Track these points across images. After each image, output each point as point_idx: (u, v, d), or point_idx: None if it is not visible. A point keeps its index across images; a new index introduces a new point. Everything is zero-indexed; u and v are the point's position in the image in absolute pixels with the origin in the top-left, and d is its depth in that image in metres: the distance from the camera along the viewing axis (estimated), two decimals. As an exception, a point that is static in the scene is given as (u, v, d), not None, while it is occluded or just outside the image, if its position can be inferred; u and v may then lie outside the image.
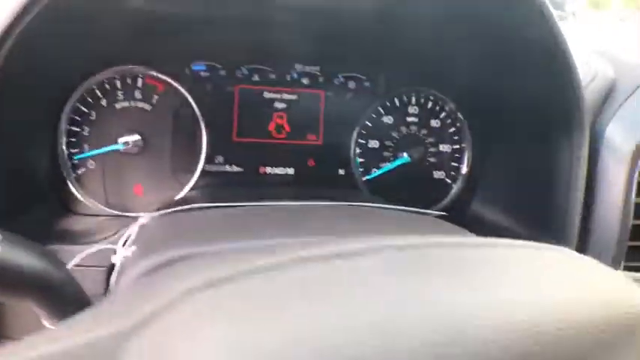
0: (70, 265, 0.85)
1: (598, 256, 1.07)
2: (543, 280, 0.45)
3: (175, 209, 0.87)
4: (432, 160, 1.31)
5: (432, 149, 1.30)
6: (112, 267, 0.83)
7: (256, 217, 0.86)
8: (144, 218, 0.88)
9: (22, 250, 0.61)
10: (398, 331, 0.35)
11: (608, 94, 1.15)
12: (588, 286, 0.46)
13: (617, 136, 1.08)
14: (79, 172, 1.14)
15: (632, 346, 0.43)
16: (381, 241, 0.46)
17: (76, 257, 0.86)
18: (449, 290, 0.40)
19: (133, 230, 0.86)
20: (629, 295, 0.46)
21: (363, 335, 0.34)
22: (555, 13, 0.94)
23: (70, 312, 0.59)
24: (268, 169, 1.25)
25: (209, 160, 1.21)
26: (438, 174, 1.31)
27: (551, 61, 0.94)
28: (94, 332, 0.37)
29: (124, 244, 0.82)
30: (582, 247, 1.06)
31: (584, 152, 0.99)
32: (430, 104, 1.29)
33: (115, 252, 0.81)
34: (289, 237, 0.68)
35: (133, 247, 0.78)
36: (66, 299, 0.67)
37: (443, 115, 1.30)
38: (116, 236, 0.93)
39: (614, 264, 1.06)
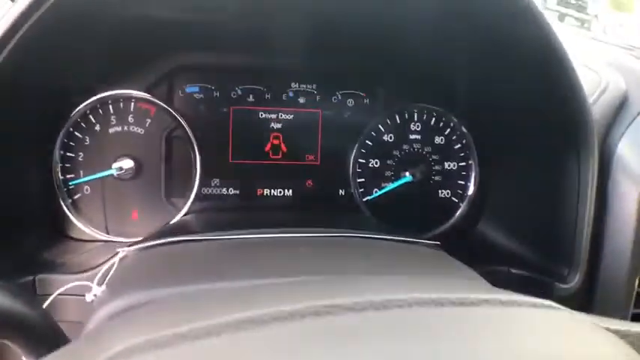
0: (44, 305, 0.85)
1: (608, 286, 1.01)
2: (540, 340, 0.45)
3: (154, 243, 0.85)
4: (436, 178, 1.25)
5: (436, 167, 1.25)
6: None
7: (238, 251, 0.83)
8: (122, 252, 0.87)
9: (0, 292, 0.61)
10: None
11: (619, 108, 1.08)
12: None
13: (630, 153, 1.02)
14: (75, 197, 1.14)
15: None
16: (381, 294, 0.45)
17: (49, 298, 0.86)
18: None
19: (111, 265, 0.86)
20: None
21: None
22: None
23: (46, 350, 0.59)
24: (265, 191, 1.23)
25: (205, 183, 1.20)
26: (444, 193, 1.26)
27: (550, 71, 0.89)
28: None
29: (100, 280, 0.82)
30: (592, 274, 0.99)
31: (593, 171, 0.93)
32: (433, 120, 1.24)
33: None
34: (265, 277, 0.65)
35: (104, 287, 0.78)
36: (41, 338, 0.66)
37: (447, 131, 1.25)
38: (98, 269, 0.92)
39: (627, 295, 0.99)
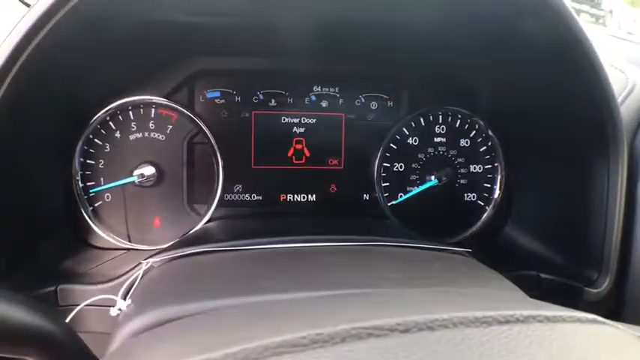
0: (68, 319, 0.83)
1: (639, 290, 0.98)
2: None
3: (178, 254, 0.83)
4: (462, 182, 1.23)
5: (462, 170, 1.23)
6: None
7: (265, 262, 0.81)
8: (146, 264, 0.85)
9: (22, 307, 0.60)
10: None
11: None
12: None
13: None
14: (96, 205, 1.12)
15: None
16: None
17: (73, 311, 0.84)
18: None
19: (135, 277, 0.84)
20: None
21: None
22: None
23: None
24: (289, 197, 1.21)
25: (227, 189, 1.18)
26: (470, 197, 1.24)
27: (578, 71, 0.87)
28: None
29: (125, 293, 0.80)
30: (622, 278, 0.97)
31: (622, 173, 0.92)
32: (458, 123, 1.22)
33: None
34: (296, 290, 0.63)
35: (129, 302, 0.76)
36: (65, 354, 0.64)
37: (473, 133, 1.22)
38: (122, 279, 0.90)
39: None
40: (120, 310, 0.78)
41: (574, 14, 0.82)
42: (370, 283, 0.69)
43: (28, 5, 0.83)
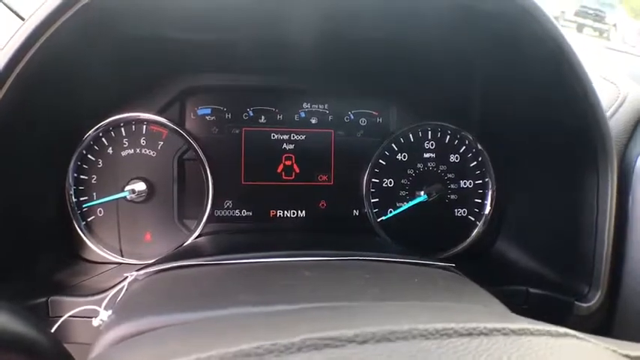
0: (53, 328, 0.85)
1: (630, 305, 0.96)
2: None
3: (164, 267, 0.84)
4: (452, 197, 1.23)
5: (452, 186, 1.23)
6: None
7: (246, 277, 0.82)
8: (131, 276, 0.86)
9: (9, 315, 0.61)
10: None
11: (639, 119, 1.05)
12: None
13: None
14: (89, 219, 1.14)
15: None
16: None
17: (58, 321, 0.85)
18: None
19: (119, 289, 0.85)
20: None
21: None
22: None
23: None
24: (279, 213, 1.22)
25: (217, 205, 1.19)
26: (460, 212, 1.23)
27: (565, 85, 0.87)
28: None
29: (109, 305, 0.81)
30: (613, 292, 0.95)
31: (612, 186, 0.91)
32: (448, 138, 1.23)
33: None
34: (272, 304, 0.64)
35: (110, 312, 0.77)
36: None
37: (462, 149, 1.23)
38: (109, 292, 0.91)
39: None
40: (102, 320, 0.79)
41: (559, 27, 0.84)
42: (346, 296, 0.69)
43: (22, 19, 0.86)
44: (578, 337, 0.52)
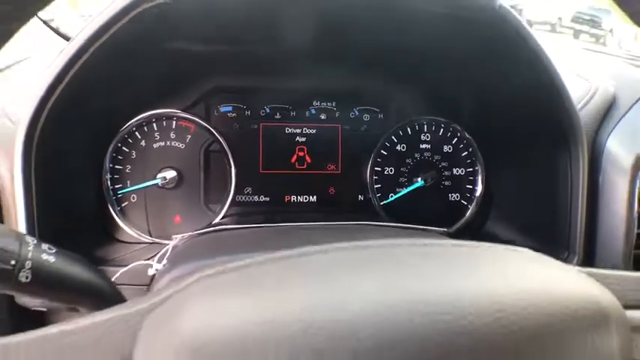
0: (114, 278, 0.98)
1: (602, 267, 1.11)
2: (508, 274, 0.50)
3: (201, 231, 0.99)
4: (446, 183, 1.38)
5: (445, 173, 1.38)
6: (150, 284, 0.95)
7: (267, 234, 0.97)
8: (175, 240, 1.00)
9: (75, 262, 0.73)
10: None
11: (608, 109, 1.21)
12: (548, 281, 0.51)
13: (618, 148, 1.13)
14: (123, 205, 1.27)
15: (583, 333, 0.49)
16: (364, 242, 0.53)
17: (119, 272, 0.98)
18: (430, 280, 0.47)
19: (166, 250, 0.99)
20: (583, 290, 0.52)
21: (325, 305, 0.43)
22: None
23: None
24: (292, 198, 1.36)
25: (239, 191, 1.33)
26: (453, 196, 1.39)
27: (539, 81, 1.02)
28: (116, 311, 0.47)
29: (158, 261, 0.94)
30: (589, 258, 1.10)
31: (584, 166, 1.05)
32: (441, 131, 1.38)
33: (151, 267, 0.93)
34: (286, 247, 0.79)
35: (165, 262, 0.90)
36: (110, 304, 0.79)
37: (454, 140, 1.38)
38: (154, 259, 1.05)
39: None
40: (157, 270, 0.92)
41: (531, 30, 1.00)
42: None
43: (67, 39, 1.00)
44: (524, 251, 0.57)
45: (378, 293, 0.43)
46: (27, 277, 0.70)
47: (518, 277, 0.50)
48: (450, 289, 0.45)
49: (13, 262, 0.67)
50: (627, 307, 0.55)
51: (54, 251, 0.73)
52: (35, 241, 0.70)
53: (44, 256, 0.71)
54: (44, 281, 0.69)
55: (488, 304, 0.44)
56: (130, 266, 0.98)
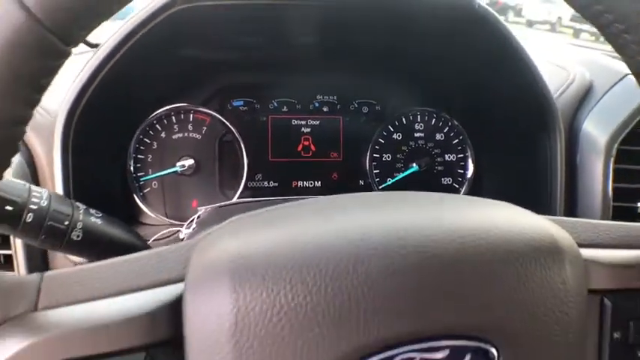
0: (150, 241, 1.10)
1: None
2: (472, 212, 0.57)
3: (223, 204, 1.11)
4: (439, 168, 1.51)
5: (438, 159, 1.51)
6: None
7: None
8: (201, 212, 1.13)
9: (117, 225, 0.86)
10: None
11: (584, 95, 1.32)
12: (512, 216, 0.58)
13: (593, 130, 1.24)
14: (145, 190, 1.40)
15: (537, 259, 0.52)
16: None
17: (154, 236, 1.11)
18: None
19: (194, 217, 1.11)
20: (541, 225, 0.56)
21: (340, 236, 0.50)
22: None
23: None
24: (299, 183, 1.49)
25: (250, 177, 1.46)
26: (446, 180, 1.51)
27: (516, 71, 1.16)
28: (162, 249, 0.55)
29: (187, 227, 1.07)
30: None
31: (561, 148, 1.17)
32: (434, 120, 1.51)
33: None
34: None
35: (194, 226, 1.03)
36: None
37: (446, 129, 1.51)
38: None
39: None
40: (186, 234, 1.05)
41: (508, 27, 1.13)
42: None
43: (94, 46, 1.14)
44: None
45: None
46: (78, 236, 0.82)
47: (489, 212, 0.58)
48: (445, 220, 0.53)
49: (66, 223, 0.80)
50: (580, 245, 0.59)
51: (100, 215, 0.86)
52: (84, 207, 0.83)
53: (92, 219, 0.84)
54: (92, 240, 0.81)
55: (467, 228, 0.51)
56: (162, 232, 1.11)
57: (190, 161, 1.39)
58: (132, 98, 1.31)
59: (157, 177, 1.40)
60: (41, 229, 0.77)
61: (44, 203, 0.77)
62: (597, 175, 1.21)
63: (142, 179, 1.40)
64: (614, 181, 1.18)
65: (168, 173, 1.40)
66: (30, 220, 0.75)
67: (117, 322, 0.47)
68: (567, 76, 1.36)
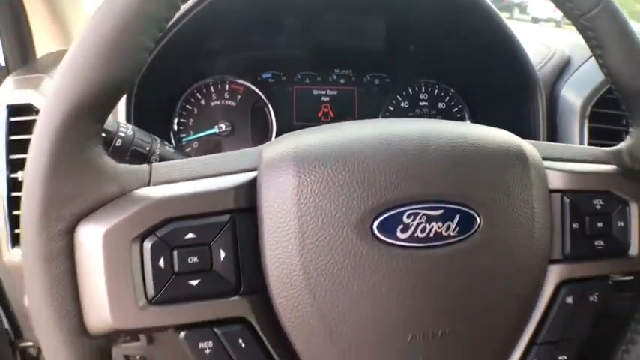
0: None
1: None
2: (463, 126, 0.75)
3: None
4: (441, 133, 1.73)
5: (440, 125, 1.73)
6: None
7: None
8: None
9: (186, 157, 1.04)
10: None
11: (564, 67, 1.55)
12: (490, 129, 0.74)
13: (570, 96, 1.45)
14: (186, 150, 1.61)
15: (502, 162, 0.67)
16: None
17: None
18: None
19: None
20: (507, 135, 0.72)
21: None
22: None
23: None
24: (320, 145, 1.70)
25: (277, 139, 1.67)
26: (446, 142, 1.73)
27: (505, 52, 1.39)
28: (239, 151, 0.71)
29: None
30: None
31: (542, 110, 1.40)
32: (436, 91, 1.72)
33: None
34: None
35: None
36: None
37: (447, 98, 1.73)
38: None
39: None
40: None
41: (498, 12, 1.36)
42: None
43: None
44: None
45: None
46: (156, 160, 1.04)
47: (473, 127, 0.75)
48: (444, 127, 0.69)
49: (147, 148, 1.02)
50: (544, 159, 0.73)
51: (173, 146, 1.08)
52: (161, 139, 1.06)
53: (167, 148, 1.06)
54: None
55: (459, 131, 0.68)
56: None
57: (227, 124, 1.61)
58: (179, 69, 1.52)
59: (197, 138, 1.62)
60: (127, 153, 0.97)
61: (130, 133, 0.98)
62: (574, 133, 1.42)
63: (184, 139, 1.62)
64: (589, 139, 1.39)
65: (208, 135, 1.61)
66: (119, 145, 0.95)
67: (209, 192, 0.61)
68: (549, 52, 1.59)
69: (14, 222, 1.25)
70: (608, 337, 0.89)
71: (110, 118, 0.92)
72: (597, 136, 1.41)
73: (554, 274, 0.70)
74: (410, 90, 1.73)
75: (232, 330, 0.60)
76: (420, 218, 0.61)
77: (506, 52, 1.38)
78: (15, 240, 1.25)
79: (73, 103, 0.53)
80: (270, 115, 1.66)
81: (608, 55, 0.72)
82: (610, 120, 1.35)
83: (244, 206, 0.62)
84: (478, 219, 0.64)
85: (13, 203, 1.24)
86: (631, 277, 0.78)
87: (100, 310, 0.56)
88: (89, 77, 0.53)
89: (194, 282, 0.59)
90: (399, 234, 0.61)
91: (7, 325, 1.75)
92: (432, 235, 0.62)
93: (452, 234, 0.62)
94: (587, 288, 0.72)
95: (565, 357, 0.71)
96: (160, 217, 0.58)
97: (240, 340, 0.60)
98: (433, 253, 0.62)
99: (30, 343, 1.83)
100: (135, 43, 0.55)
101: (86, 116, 0.55)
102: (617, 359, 0.81)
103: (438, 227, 0.62)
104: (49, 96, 0.54)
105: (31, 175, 0.54)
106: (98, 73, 0.53)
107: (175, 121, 1.61)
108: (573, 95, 1.47)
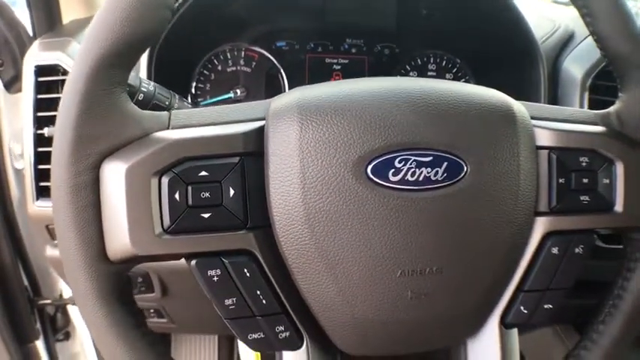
0: None
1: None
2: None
3: None
4: (448, 100, 1.79)
5: (448, 95, 1.79)
6: None
7: None
8: None
9: None
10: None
11: (567, 41, 1.61)
12: (481, 88, 0.78)
13: (572, 68, 1.51)
14: (205, 114, 1.70)
15: (491, 119, 0.72)
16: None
17: None
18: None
19: None
20: (498, 94, 0.77)
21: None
22: None
23: None
24: (331, 111, 1.78)
25: (290, 105, 1.75)
26: (452, 111, 1.80)
27: (510, 25, 1.46)
28: (249, 102, 0.75)
29: None
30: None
31: (544, 80, 1.45)
32: (444, 62, 1.78)
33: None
34: None
35: None
36: None
37: (454, 70, 1.78)
38: None
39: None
40: None
41: None
42: None
43: None
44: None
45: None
46: (181, 113, 1.11)
47: (466, 85, 0.78)
48: (440, 83, 0.74)
49: (167, 102, 1.09)
50: (532, 117, 0.77)
51: (190, 102, 1.16)
52: (180, 96, 1.14)
53: (186, 104, 1.14)
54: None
55: (453, 87, 0.73)
56: None
57: (243, 89, 1.69)
58: (198, 36, 1.59)
59: (214, 101, 1.69)
60: (148, 106, 1.02)
61: (151, 88, 1.05)
62: (575, 104, 1.48)
63: (201, 103, 1.69)
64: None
65: (224, 99, 1.68)
66: (141, 99, 1.00)
67: (222, 135, 0.66)
68: (553, 25, 1.65)
69: (39, 175, 1.34)
70: (594, 293, 0.94)
71: (133, 74, 0.97)
72: (597, 108, 1.45)
73: (541, 226, 0.73)
74: (418, 60, 1.79)
75: (238, 261, 0.66)
76: (411, 163, 0.66)
77: (509, 21, 1.44)
78: (40, 192, 1.34)
79: (104, 53, 0.60)
80: (283, 81, 1.73)
81: (598, 22, 0.76)
82: (610, 92, 1.37)
83: (252, 150, 0.68)
84: (465, 167, 0.68)
85: (39, 158, 1.33)
86: (619, 246, 0.82)
87: (120, 238, 0.62)
88: (118, 30, 0.60)
89: (206, 215, 0.64)
90: (390, 177, 0.66)
91: (26, 282, 1.86)
92: (421, 179, 0.66)
93: (440, 179, 0.67)
94: (573, 240, 0.74)
95: (551, 306, 0.75)
96: (177, 155, 0.63)
97: (245, 270, 0.66)
98: (422, 195, 0.66)
99: (48, 301, 1.94)
100: (159, 1, 0.63)
101: (115, 64, 0.61)
102: (604, 315, 0.82)
103: (427, 172, 0.67)
104: (83, 45, 0.61)
105: (64, 116, 0.60)
106: (126, 27, 0.60)
107: (193, 85, 1.68)
108: (575, 67, 1.53)
